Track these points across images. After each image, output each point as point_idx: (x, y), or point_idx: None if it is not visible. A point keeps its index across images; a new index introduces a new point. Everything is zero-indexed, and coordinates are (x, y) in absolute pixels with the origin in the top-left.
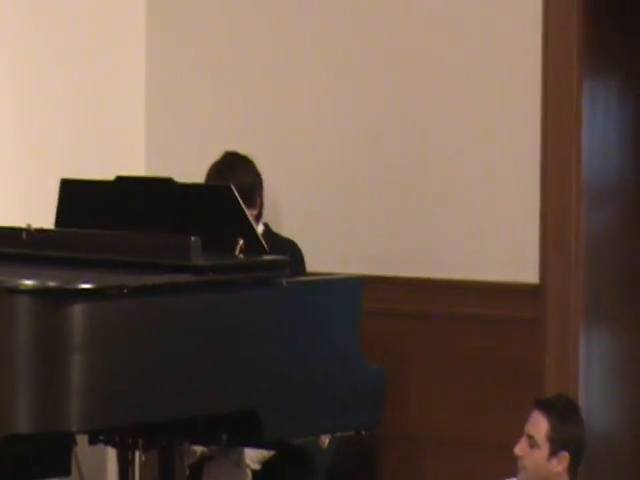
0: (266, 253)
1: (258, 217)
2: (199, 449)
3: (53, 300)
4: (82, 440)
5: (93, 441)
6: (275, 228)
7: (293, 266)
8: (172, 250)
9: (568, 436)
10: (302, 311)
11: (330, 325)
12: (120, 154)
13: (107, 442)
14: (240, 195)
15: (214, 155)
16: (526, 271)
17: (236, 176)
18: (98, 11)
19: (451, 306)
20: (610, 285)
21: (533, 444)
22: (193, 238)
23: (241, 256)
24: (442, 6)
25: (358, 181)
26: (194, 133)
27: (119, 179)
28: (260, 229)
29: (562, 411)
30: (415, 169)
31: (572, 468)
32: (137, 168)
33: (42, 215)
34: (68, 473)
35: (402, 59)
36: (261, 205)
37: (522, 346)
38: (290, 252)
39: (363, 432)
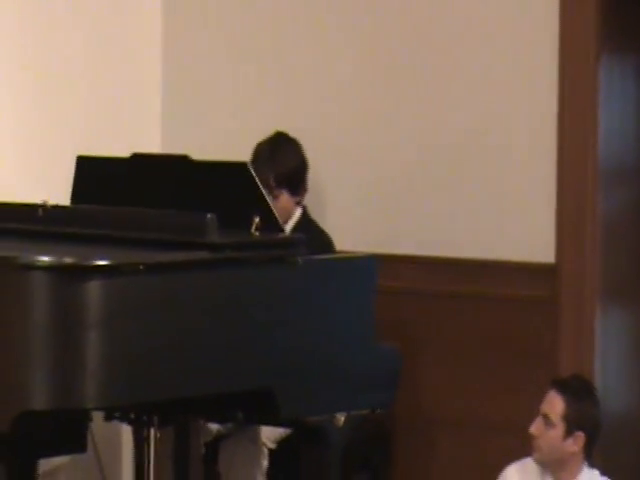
0: (282, 231)
1: (299, 203)
2: (215, 428)
3: (69, 276)
4: (98, 417)
5: (109, 418)
6: None
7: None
8: (188, 227)
9: (584, 416)
10: (317, 289)
11: (345, 303)
12: (136, 131)
13: (122, 419)
14: (288, 180)
15: (230, 132)
16: (542, 251)
17: (286, 158)
18: None
19: (466, 285)
20: (626, 264)
21: (548, 423)
22: (209, 215)
23: (257, 234)
24: None
25: (375, 161)
26: (211, 110)
27: (135, 156)
28: (298, 212)
29: (578, 391)
30: (433, 151)
31: (587, 448)
32: (153, 145)
33: (58, 192)
34: (84, 450)
35: (424, 39)
36: (304, 191)
37: (537, 326)
38: (320, 242)
39: (378, 410)
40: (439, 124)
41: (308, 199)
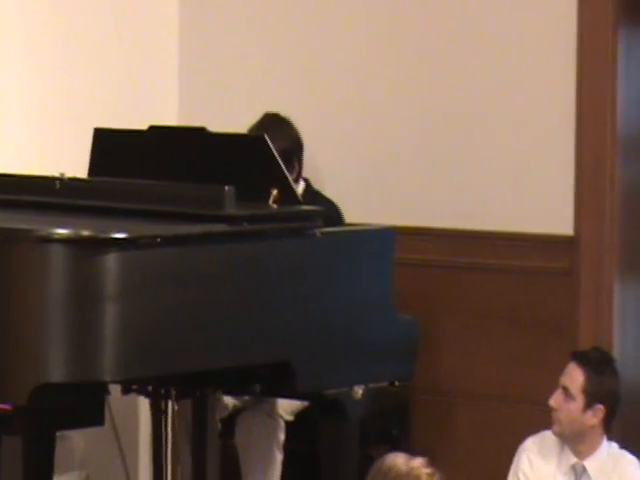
0: (300, 204)
1: (296, 180)
2: (231, 403)
3: (86, 249)
4: (115, 390)
5: (126, 391)
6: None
7: (332, 226)
8: (206, 200)
9: (604, 389)
10: (335, 262)
11: (363, 275)
12: (153, 103)
13: (140, 392)
14: None
15: (248, 105)
16: (560, 223)
17: (274, 142)
18: None
19: (485, 258)
20: None
21: (568, 396)
22: (227, 188)
23: (275, 206)
24: None
25: (391, 132)
26: (228, 82)
27: (152, 128)
28: (301, 186)
29: (598, 364)
30: (449, 121)
31: (607, 421)
32: (170, 118)
33: (75, 164)
34: (101, 423)
35: (440, 17)
36: (300, 168)
37: (556, 298)
38: (329, 212)
39: (397, 383)
40: (454, 94)
41: (321, 171)
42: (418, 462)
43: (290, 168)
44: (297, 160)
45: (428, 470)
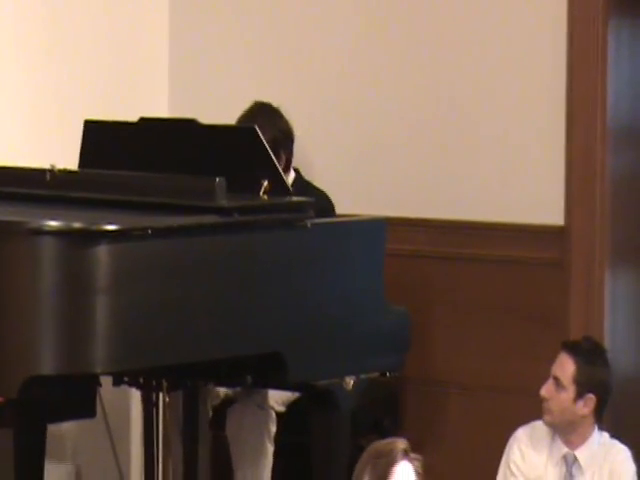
0: (290, 195)
1: (285, 170)
2: (222, 391)
3: (78, 241)
4: (106, 382)
5: (117, 382)
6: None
7: (323, 216)
8: (197, 191)
9: (595, 378)
10: (326, 252)
11: (354, 266)
12: (143, 95)
13: (131, 384)
14: None
15: (238, 96)
16: (551, 213)
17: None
18: None
19: (475, 248)
20: (635, 226)
21: (559, 386)
22: (218, 179)
23: (265, 197)
24: None
25: (382, 123)
26: (218, 74)
27: (143, 120)
28: (292, 176)
29: (589, 353)
30: (439, 111)
31: (598, 411)
32: (160, 109)
33: (66, 156)
34: (93, 414)
35: (430, 10)
36: (287, 158)
37: (547, 288)
38: (320, 202)
39: (388, 374)
40: (445, 85)
41: (312, 161)
42: (398, 440)
43: (276, 159)
44: (284, 150)
45: (404, 446)
